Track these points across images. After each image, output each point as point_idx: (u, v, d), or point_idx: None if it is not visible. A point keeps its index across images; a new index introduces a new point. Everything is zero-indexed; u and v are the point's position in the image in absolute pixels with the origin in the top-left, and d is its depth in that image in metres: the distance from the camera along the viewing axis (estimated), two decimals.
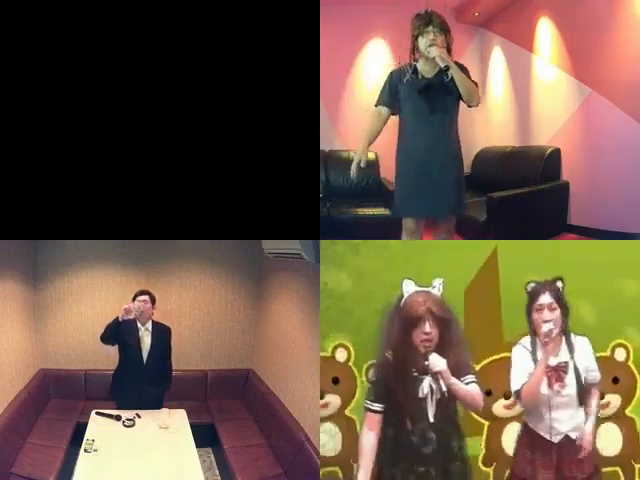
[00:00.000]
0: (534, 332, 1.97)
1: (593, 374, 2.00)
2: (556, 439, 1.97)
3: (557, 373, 1.92)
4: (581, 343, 2.00)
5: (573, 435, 1.96)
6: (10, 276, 3.91)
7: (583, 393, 1.95)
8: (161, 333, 3.59)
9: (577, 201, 4.77)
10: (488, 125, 6.39)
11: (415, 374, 1.77)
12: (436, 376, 1.76)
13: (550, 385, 1.92)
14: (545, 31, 5.03)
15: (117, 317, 3.36)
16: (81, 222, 2.48)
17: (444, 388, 1.76)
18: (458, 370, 1.78)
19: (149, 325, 3.53)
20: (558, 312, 1.94)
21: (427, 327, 1.75)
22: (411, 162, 3.01)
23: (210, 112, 2.50)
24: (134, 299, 3.48)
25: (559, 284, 1.97)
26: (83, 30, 2.42)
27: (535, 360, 1.95)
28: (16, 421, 3.36)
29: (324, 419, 2.76)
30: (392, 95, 2.99)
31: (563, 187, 4.81)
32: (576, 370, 1.95)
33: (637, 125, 3.99)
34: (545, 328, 1.90)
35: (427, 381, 1.77)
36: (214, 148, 2.51)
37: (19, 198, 2.45)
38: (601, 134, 4.43)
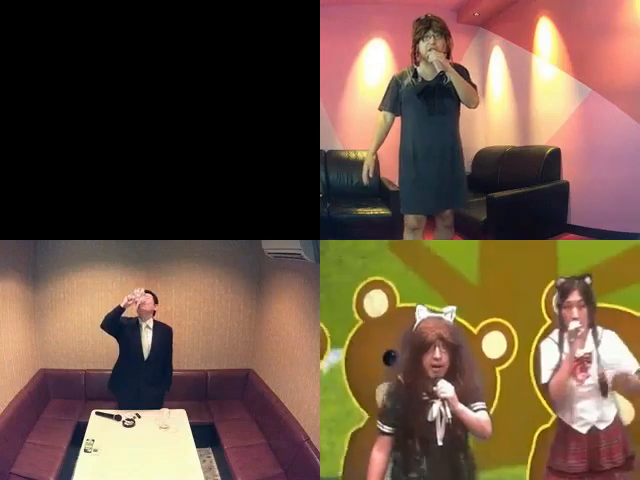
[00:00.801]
0: (562, 326, 2.02)
1: (624, 364, 2.03)
2: (584, 430, 2.02)
3: (582, 364, 1.99)
4: (608, 336, 2.04)
5: (600, 426, 2.01)
6: (10, 276, 3.91)
7: (605, 384, 2.00)
8: (162, 333, 3.60)
9: (577, 201, 4.77)
10: (488, 125, 6.39)
11: (425, 398, 1.80)
12: (445, 401, 1.79)
13: (574, 375, 1.98)
14: (545, 31, 5.03)
15: (119, 305, 3.37)
16: (81, 222, 2.48)
17: (450, 415, 1.79)
18: (468, 396, 1.81)
19: (150, 322, 3.54)
20: (585, 310, 2.00)
21: (437, 352, 1.79)
22: (412, 161, 3.07)
23: (210, 112, 2.50)
24: None
25: (587, 280, 2.02)
26: (83, 30, 2.42)
27: (562, 353, 2.01)
28: (16, 421, 3.36)
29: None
30: (394, 99, 3.08)
31: (563, 187, 4.81)
32: (599, 361, 2.00)
33: (637, 125, 3.99)
34: (572, 326, 1.97)
35: (437, 405, 1.80)
36: (214, 148, 2.51)
37: (19, 198, 2.45)
38: (601, 134, 4.43)
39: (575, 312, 1.99)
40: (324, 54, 2.69)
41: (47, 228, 2.49)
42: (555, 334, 2.06)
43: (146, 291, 3.54)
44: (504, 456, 2.56)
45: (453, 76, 2.89)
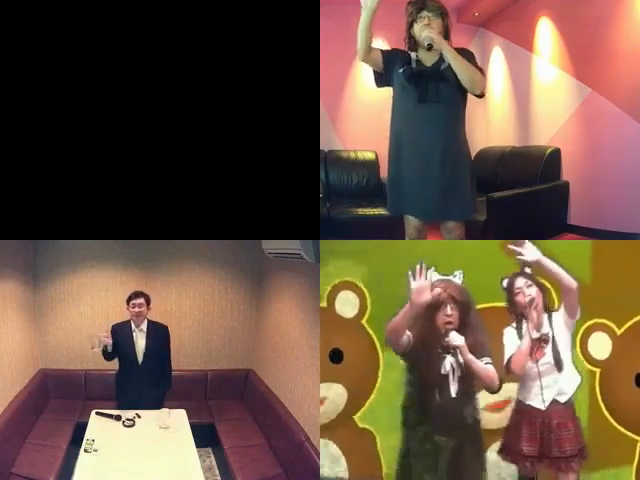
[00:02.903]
0: (519, 314, 2.17)
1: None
2: (544, 406, 2.15)
3: (539, 343, 2.14)
4: (557, 316, 2.19)
5: (561, 399, 2.15)
6: (10, 276, 3.91)
7: (559, 360, 2.14)
8: (158, 333, 3.56)
9: (577, 201, 4.77)
10: (488, 125, 6.39)
11: (439, 351, 2.01)
12: (456, 352, 1.99)
13: (532, 355, 2.14)
14: (545, 31, 5.03)
15: (105, 346, 3.36)
16: (81, 222, 2.48)
17: (463, 364, 1.98)
18: (476, 351, 2.01)
19: (144, 326, 3.50)
20: (535, 288, 2.14)
21: (449, 310, 2.01)
22: (397, 154, 2.76)
23: (210, 112, 2.50)
24: (128, 302, 3.46)
25: (528, 270, 2.16)
26: (83, 29, 2.42)
27: (521, 336, 2.16)
28: (16, 421, 3.36)
29: None
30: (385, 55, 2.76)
31: (563, 187, 4.82)
32: (554, 341, 2.15)
33: (637, 125, 4.00)
34: (528, 298, 2.12)
35: (449, 359, 2.00)
36: (214, 148, 2.51)
37: (19, 198, 2.45)
38: (601, 134, 4.43)
39: (526, 291, 2.13)
40: (324, 54, 2.69)
41: (47, 228, 2.48)
42: (514, 322, 2.19)
43: (138, 293, 3.50)
44: (609, 457, 2.57)
45: (450, 54, 2.51)
